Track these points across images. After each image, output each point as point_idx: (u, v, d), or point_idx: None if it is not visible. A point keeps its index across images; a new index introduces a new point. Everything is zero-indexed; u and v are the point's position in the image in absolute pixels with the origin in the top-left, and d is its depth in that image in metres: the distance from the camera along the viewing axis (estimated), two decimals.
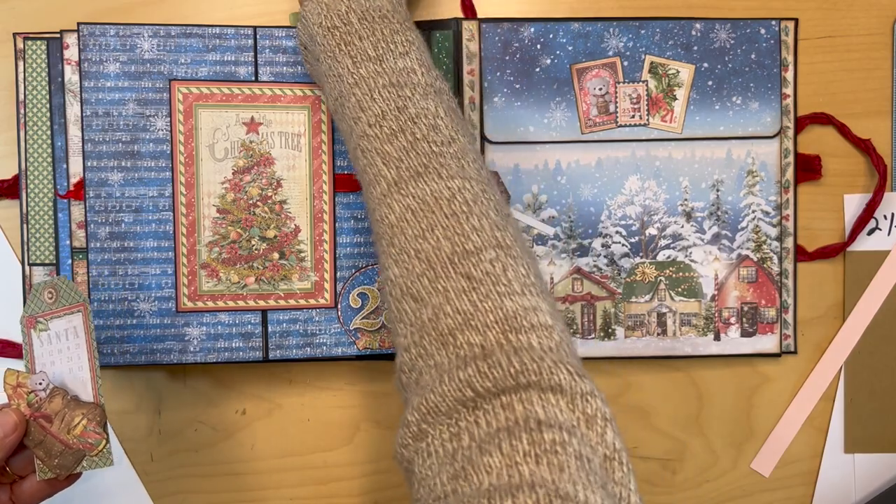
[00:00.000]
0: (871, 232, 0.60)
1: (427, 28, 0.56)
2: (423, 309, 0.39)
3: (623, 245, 0.57)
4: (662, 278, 0.58)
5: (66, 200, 0.55)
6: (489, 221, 0.40)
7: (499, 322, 0.37)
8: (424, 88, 0.45)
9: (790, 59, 0.57)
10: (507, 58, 0.56)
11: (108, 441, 0.47)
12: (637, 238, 0.58)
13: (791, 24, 0.57)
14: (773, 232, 0.58)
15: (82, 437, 0.47)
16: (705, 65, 0.57)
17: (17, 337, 0.57)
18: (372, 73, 0.45)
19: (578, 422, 0.34)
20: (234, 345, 0.55)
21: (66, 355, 0.48)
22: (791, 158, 0.58)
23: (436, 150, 0.42)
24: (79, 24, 0.53)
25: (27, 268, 0.56)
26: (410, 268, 0.40)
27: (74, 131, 0.55)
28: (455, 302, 0.38)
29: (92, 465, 0.47)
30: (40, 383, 0.48)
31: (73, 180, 0.55)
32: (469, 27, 0.56)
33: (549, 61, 0.57)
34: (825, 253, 0.59)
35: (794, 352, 0.59)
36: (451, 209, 0.40)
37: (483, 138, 0.56)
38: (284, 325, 0.55)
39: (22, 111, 0.56)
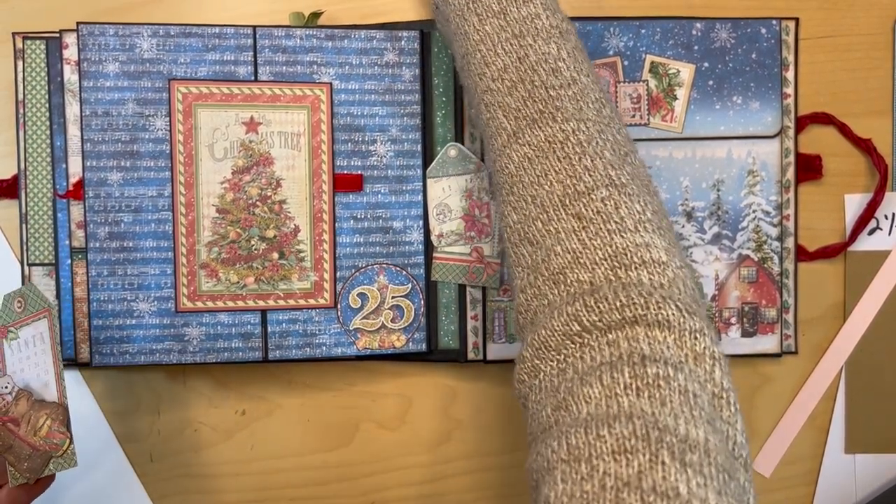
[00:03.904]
0: (871, 232, 0.59)
1: (428, 28, 0.56)
2: (537, 251, 0.40)
3: None
4: None
5: (65, 200, 0.55)
6: (603, 161, 0.40)
7: (608, 259, 0.37)
8: (548, 31, 0.44)
9: (791, 58, 0.57)
10: None
11: (71, 441, 0.47)
12: None
13: (792, 24, 0.57)
14: (774, 232, 0.58)
15: (48, 438, 0.46)
16: (706, 64, 0.57)
17: None
18: (496, 28, 0.44)
19: (686, 358, 0.34)
20: (233, 345, 0.55)
21: (33, 361, 0.48)
22: (792, 158, 0.58)
23: (553, 95, 0.42)
24: (78, 23, 0.53)
25: (26, 268, 0.56)
26: (527, 213, 0.41)
27: (74, 131, 0.55)
28: (565, 242, 0.39)
29: (58, 466, 0.46)
30: (6, 387, 0.48)
31: (73, 180, 0.55)
32: None
33: None
34: (826, 253, 0.59)
35: (795, 352, 0.59)
36: (563, 152, 0.41)
37: None
38: (284, 325, 0.55)
39: (21, 111, 0.55)
